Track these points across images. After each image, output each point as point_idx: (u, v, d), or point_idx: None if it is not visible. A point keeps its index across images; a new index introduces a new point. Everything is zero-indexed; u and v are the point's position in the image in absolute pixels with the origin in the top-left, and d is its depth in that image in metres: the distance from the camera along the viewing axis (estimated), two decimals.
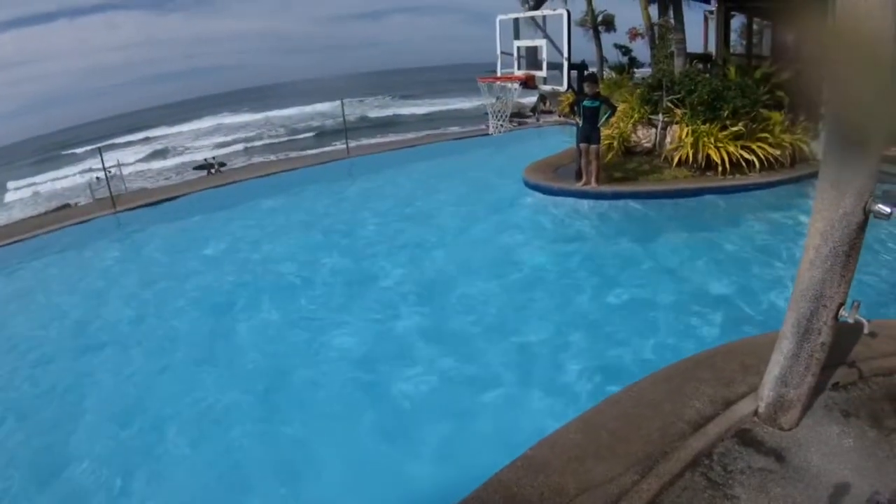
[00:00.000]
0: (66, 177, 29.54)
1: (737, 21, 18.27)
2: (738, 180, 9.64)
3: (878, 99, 2.59)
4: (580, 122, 9.31)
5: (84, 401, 5.27)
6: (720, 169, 9.74)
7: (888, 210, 2.75)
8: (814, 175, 2.87)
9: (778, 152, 9.95)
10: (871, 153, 2.75)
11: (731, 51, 17.29)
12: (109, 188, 11.99)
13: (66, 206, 15.36)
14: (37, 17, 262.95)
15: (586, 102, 9.14)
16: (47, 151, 45.86)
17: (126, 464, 4.36)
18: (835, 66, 2.73)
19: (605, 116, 9.23)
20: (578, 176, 9.75)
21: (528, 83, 9.77)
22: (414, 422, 4.62)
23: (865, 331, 3.11)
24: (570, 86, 9.34)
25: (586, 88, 9.24)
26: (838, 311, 3.05)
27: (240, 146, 33.28)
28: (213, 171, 17.20)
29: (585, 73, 9.59)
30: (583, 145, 9.38)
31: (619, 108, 10.80)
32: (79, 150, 39.38)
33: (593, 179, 9.49)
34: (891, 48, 2.55)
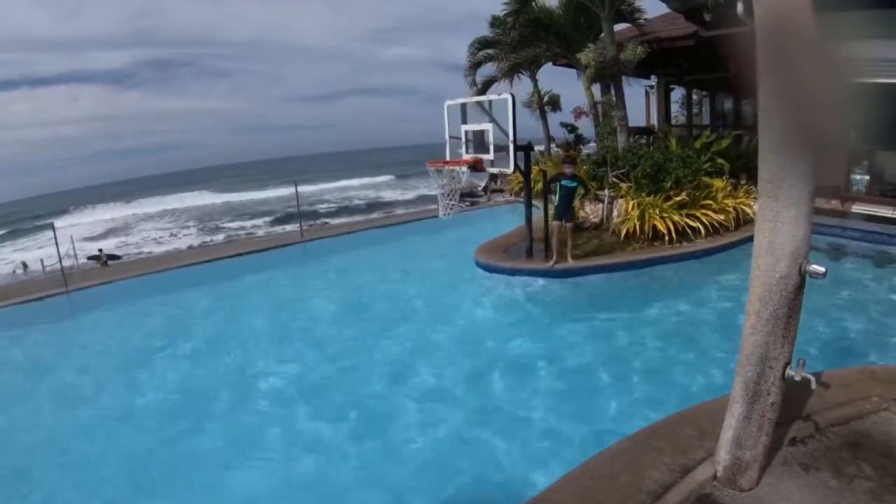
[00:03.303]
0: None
1: (677, 93, 19.40)
2: (686, 248, 9.95)
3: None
4: (556, 201, 9.44)
5: None
6: (667, 238, 10.06)
7: (822, 270, 2.87)
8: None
9: (722, 217, 10.39)
10: (802, 215, 2.86)
11: (673, 121, 18.25)
12: (62, 267, 11.91)
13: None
14: None
15: (565, 182, 9.29)
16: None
17: None
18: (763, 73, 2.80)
19: (580, 196, 9.39)
20: (528, 254, 9.88)
21: (476, 166, 9.91)
22: None
23: (813, 386, 3.18)
24: (516, 167, 9.56)
25: (566, 169, 9.40)
26: (784, 370, 3.11)
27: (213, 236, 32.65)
28: (103, 263, 17.80)
29: (565, 155, 9.78)
30: (555, 223, 9.45)
31: None
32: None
33: (569, 256, 9.58)
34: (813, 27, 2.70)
